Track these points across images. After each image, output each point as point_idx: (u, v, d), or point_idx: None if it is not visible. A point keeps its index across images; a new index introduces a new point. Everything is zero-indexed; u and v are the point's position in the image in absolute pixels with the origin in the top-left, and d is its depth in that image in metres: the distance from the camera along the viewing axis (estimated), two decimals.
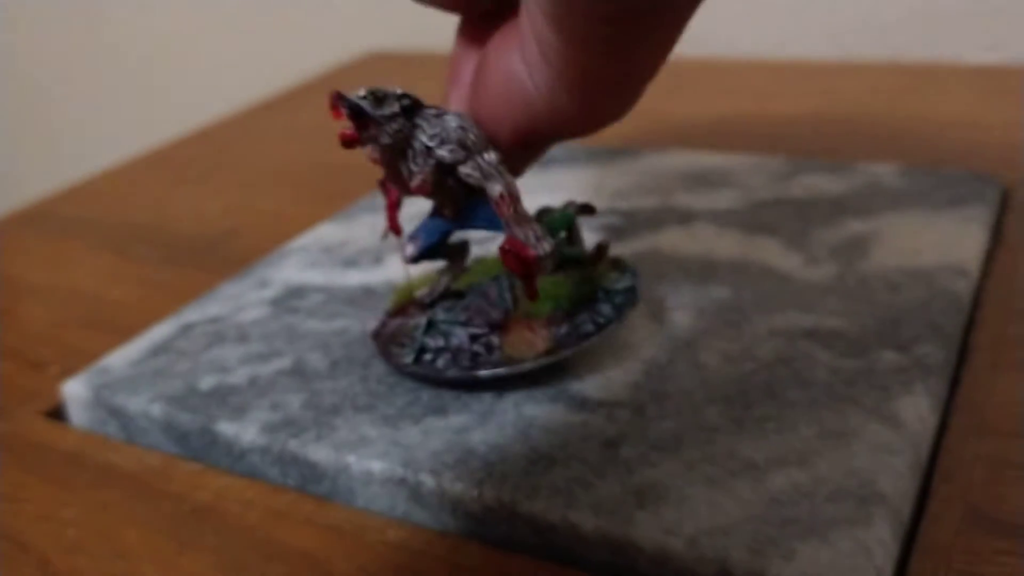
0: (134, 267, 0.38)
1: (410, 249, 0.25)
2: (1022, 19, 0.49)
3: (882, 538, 0.19)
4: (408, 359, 0.25)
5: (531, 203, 0.25)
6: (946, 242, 0.29)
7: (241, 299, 0.31)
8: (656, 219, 0.32)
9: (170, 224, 0.42)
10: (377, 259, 0.33)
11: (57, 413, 0.29)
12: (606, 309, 0.25)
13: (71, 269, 0.39)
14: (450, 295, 0.27)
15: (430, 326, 0.26)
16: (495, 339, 0.25)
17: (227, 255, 0.38)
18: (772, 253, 0.29)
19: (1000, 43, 0.50)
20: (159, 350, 0.29)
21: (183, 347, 0.29)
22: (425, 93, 0.22)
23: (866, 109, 0.43)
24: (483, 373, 0.24)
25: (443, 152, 0.22)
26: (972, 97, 0.43)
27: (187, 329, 0.30)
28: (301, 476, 0.24)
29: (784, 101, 0.46)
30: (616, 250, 0.29)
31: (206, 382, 0.27)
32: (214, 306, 0.31)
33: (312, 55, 0.71)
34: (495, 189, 0.22)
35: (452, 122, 0.22)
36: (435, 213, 0.25)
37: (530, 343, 0.24)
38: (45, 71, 0.96)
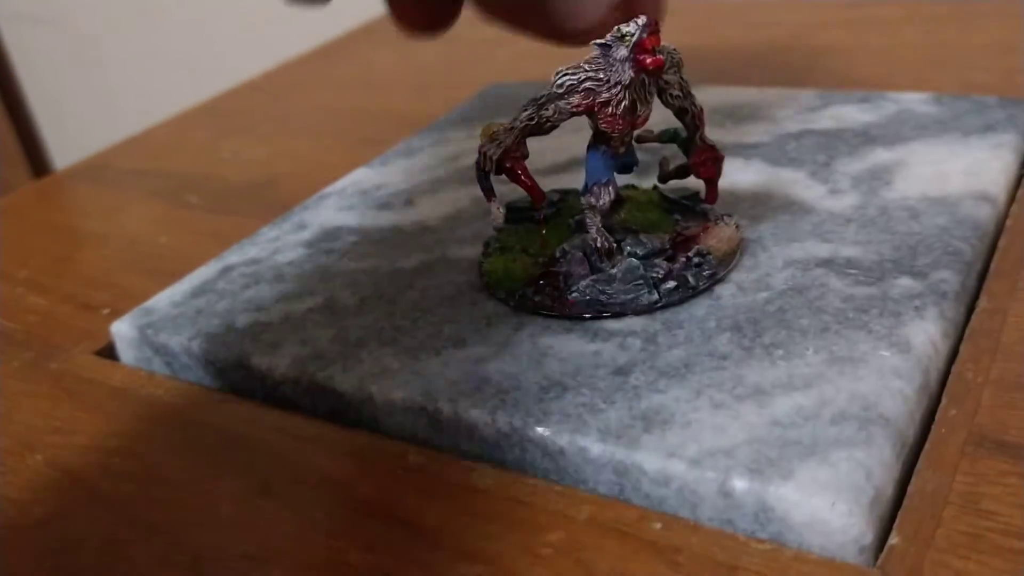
0: (183, 214, 0.40)
1: (609, 194, 0.25)
2: None
3: (883, 459, 0.19)
4: (654, 296, 0.25)
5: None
6: (973, 169, 0.28)
7: (279, 242, 0.33)
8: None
9: (218, 173, 0.44)
10: (408, 201, 0.34)
11: (108, 352, 0.30)
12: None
13: (125, 218, 0.41)
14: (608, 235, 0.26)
15: (644, 262, 0.25)
16: (702, 248, 0.26)
17: (270, 201, 0.39)
18: (795, 184, 0.29)
19: None
20: (200, 291, 0.30)
21: (223, 288, 0.30)
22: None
23: (902, 39, 0.42)
24: (723, 274, 0.25)
25: (669, 75, 0.24)
26: (1014, 22, 0.42)
27: (227, 271, 0.31)
28: (329, 406, 0.25)
29: (819, 33, 0.45)
30: (639, 185, 0.30)
31: (242, 320, 0.28)
32: (253, 249, 0.32)
33: (352, 6, 0.72)
34: (697, 103, 0.25)
35: (669, 47, 0.24)
36: (596, 156, 0.25)
37: (728, 237, 0.26)
38: (104, 31, 0.98)
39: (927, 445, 0.20)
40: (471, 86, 0.45)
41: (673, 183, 0.28)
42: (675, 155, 0.28)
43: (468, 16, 0.28)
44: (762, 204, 0.29)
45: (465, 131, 0.39)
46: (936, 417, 0.21)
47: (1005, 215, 0.28)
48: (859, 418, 0.20)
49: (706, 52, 0.44)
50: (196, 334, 0.28)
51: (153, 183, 0.44)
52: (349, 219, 0.33)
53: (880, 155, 0.30)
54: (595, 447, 0.21)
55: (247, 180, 0.42)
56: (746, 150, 0.32)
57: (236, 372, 0.27)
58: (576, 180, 0.32)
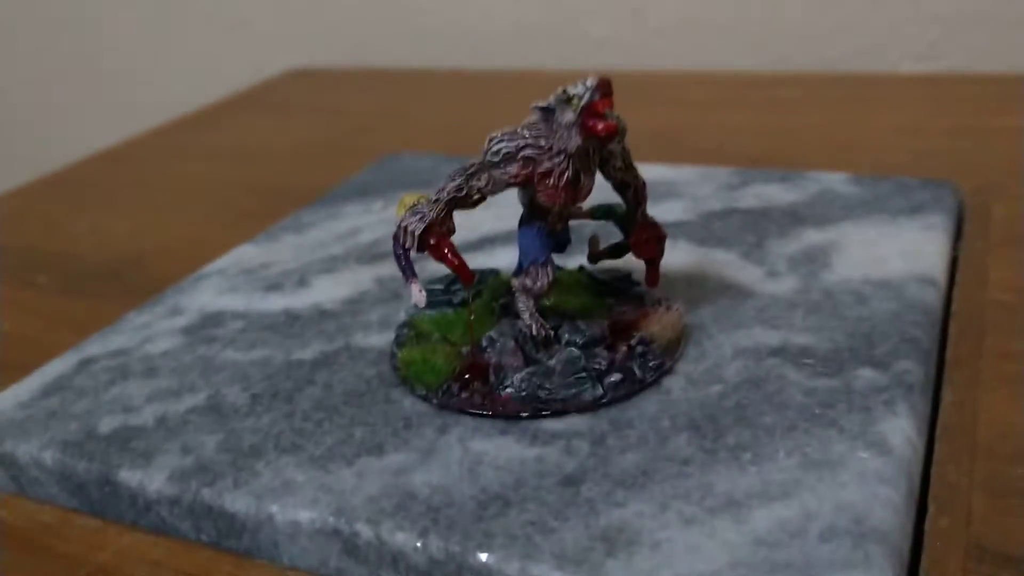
0: (33, 297, 0.35)
1: (547, 276, 0.23)
2: (950, 30, 0.48)
3: None
4: (598, 391, 0.22)
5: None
6: (909, 251, 0.27)
7: (150, 329, 0.28)
8: (604, 231, 0.30)
9: (73, 249, 0.39)
10: (301, 281, 0.30)
11: None
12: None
13: None
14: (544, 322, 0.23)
15: (586, 357, 0.22)
16: (645, 335, 0.23)
17: (135, 283, 0.34)
18: (729, 266, 0.28)
19: (929, 54, 0.50)
20: (54, 388, 0.26)
21: (82, 384, 0.26)
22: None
23: (806, 120, 0.42)
24: (670, 365, 0.23)
25: (612, 144, 0.22)
26: (911, 106, 0.42)
27: (87, 364, 0.27)
28: (217, 530, 0.21)
29: (723, 112, 0.44)
30: (563, 265, 0.27)
31: (107, 424, 0.24)
32: (119, 337, 0.28)
33: (229, 74, 0.68)
34: (640, 176, 0.24)
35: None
36: (532, 233, 0.23)
37: (671, 323, 0.24)
38: None
39: (924, 562, 0.18)
40: (359, 158, 0.42)
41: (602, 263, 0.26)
42: (602, 228, 0.25)
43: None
44: (697, 286, 0.27)
45: (362, 204, 0.36)
46: (927, 527, 0.19)
47: (948, 298, 0.26)
48: (851, 533, 0.18)
49: None
50: (49, 442, 0.23)
51: None
52: (233, 302, 0.29)
53: (811, 236, 0.29)
54: (551, 575, 0.18)
55: (107, 258, 0.37)
56: (670, 228, 0.30)
57: (100, 490, 0.22)
58: (492, 260, 0.29)
